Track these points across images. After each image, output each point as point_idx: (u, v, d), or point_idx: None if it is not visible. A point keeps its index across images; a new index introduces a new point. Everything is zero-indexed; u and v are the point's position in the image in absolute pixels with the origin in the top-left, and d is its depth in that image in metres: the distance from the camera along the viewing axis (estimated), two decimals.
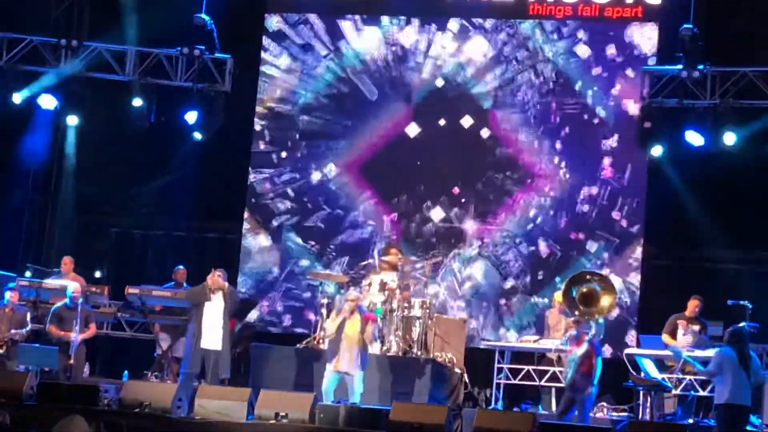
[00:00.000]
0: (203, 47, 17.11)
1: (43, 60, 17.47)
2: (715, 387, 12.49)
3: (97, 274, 18.13)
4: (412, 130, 17.64)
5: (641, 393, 14.10)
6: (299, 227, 17.67)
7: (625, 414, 14.41)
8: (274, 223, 17.74)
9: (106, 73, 17.59)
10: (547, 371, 14.49)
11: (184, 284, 16.07)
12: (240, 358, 15.35)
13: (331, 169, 17.71)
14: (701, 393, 14.08)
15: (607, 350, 15.60)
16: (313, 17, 18.00)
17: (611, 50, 17.17)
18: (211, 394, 12.65)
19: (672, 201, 16.61)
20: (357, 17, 17.89)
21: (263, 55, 17.97)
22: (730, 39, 16.33)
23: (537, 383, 14.54)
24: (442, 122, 17.53)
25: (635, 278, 16.60)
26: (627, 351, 14.87)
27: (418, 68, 17.67)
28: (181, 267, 16.34)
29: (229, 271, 14.87)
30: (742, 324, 13.61)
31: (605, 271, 15.93)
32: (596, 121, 17.12)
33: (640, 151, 16.68)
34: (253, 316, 17.23)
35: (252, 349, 14.97)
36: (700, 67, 15.91)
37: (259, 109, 17.90)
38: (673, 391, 14.14)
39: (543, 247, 17.02)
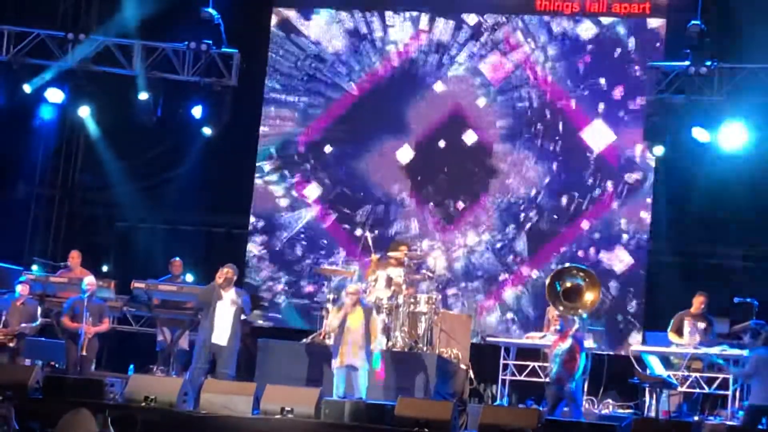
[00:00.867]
0: (210, 41, 17.10)
1: (50, 53, 17.47)
2: (751, 388, 12.42)
3: (104, 269, 18.14)
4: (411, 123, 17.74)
5: (647, 390, 14.09)
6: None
7: (631, 411, 14.40)
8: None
9: (113, 67, 17.59)
10: None
11: (181, 276, 16.09)
12: (239, 354, 15.34)
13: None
14: (706, 390, 14.08)
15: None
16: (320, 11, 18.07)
17: (619, 46, 17.15)
18: (217, 388, 12.65)
19: (678, 197, 16.59)
20: (364, 12, 17.92)
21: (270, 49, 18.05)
22: (737, 35, 16.28)
23: (543, 380, 14.52)
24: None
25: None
26: (632, 348, 14.87)
27: (417, 63, 17.72)
28: (177, 258, 16.34)
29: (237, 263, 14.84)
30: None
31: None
32: (602, 116, 17.12)
33: (647, 147, 16.66)
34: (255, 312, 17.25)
35: (258, 345, 14.97)
36: (708, 63, 15.88)
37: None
38: (679, 389, 14.13)
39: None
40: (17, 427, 11.72)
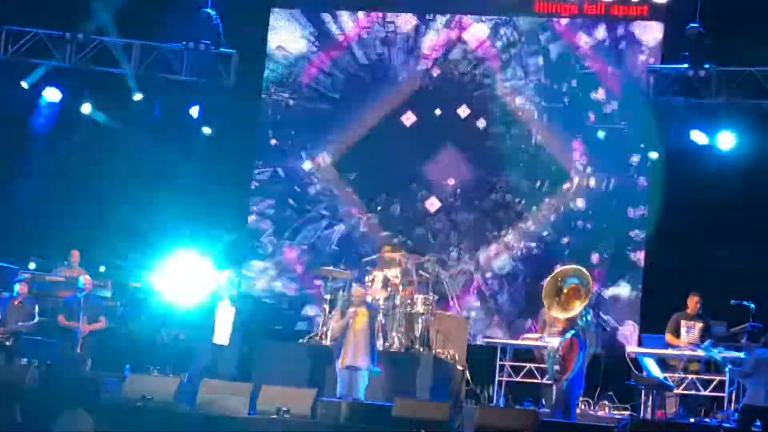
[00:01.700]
0: (208, 42, 17.09)
1: (48, 53, 17.45)
2: (747, 389, 12.43)
3: (102, 268, 18.11)
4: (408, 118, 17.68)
5: (643, 392, 14.09)
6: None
7: (627, 413, 14.39)
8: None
9: (111, 67, 17.57)
10: None
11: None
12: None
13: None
14: (703, 392, 14.08)
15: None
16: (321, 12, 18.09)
17: (616, 49, 17.16)
18: (214, 388, 12.65)
19: (676, 199, 16.59)
20: (359, 11, 17.92)
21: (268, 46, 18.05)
22: (736, 38, 16.29)
23: (539, 381, 14.52)
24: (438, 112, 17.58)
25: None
26: (629, 350, 14.86)
27: (417, 60, 17.74)
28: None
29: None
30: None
31: None
32: (600, 118, 17.13)
33: (645, 149, 16.67)
34: None
35: (256, 346, 14.96)
36: (706, 66, 15.89)
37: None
38: (675, 390, 14.13)
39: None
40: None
